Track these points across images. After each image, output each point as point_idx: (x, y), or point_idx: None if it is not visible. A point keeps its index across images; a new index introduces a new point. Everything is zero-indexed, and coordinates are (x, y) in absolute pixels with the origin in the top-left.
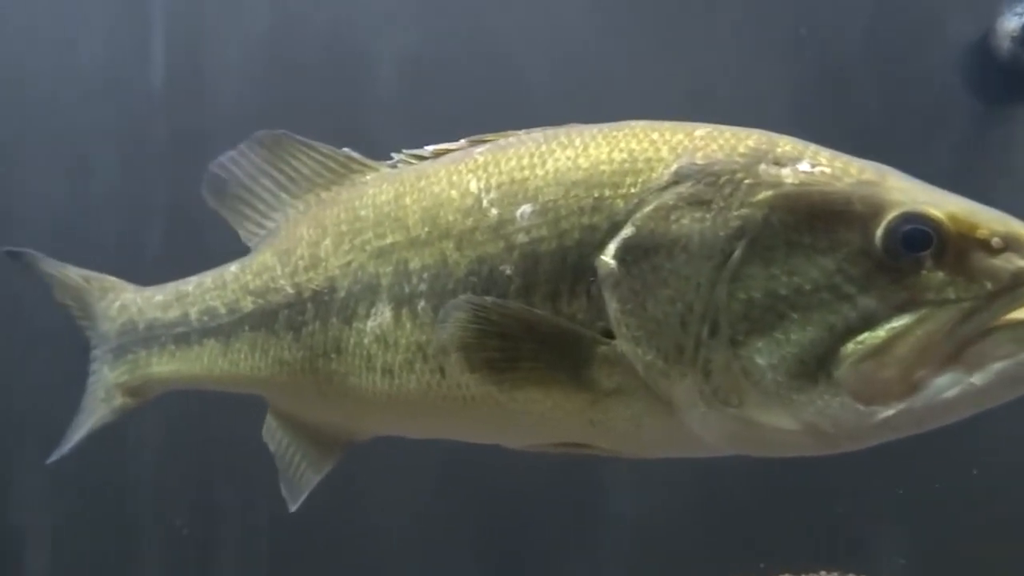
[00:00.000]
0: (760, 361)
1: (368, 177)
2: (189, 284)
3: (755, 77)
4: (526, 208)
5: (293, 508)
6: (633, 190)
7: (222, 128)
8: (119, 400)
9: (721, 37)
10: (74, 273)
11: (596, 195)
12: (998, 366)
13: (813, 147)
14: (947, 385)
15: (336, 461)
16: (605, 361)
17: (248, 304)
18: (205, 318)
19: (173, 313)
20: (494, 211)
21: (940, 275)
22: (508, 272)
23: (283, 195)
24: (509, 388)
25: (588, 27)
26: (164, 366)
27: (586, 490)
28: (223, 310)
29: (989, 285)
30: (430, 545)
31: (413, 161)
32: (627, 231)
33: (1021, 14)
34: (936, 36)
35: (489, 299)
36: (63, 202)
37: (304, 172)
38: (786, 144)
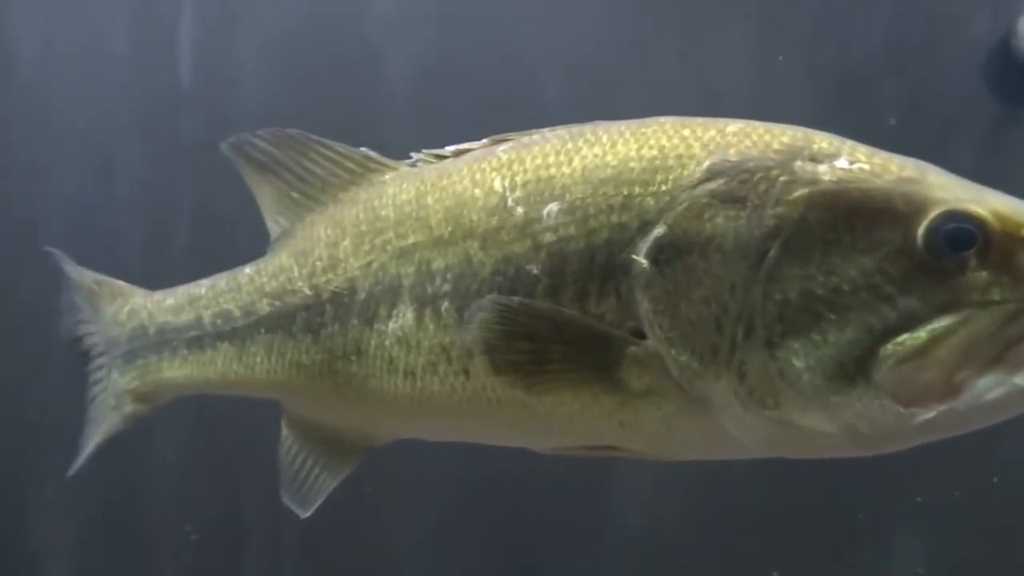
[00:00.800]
0: (797, 363)
1: (387, 176)
2: (201, 287)
3: (772, 77)
4: (553, 207)
5: (305, 514)
6: (664, 187)
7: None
8: (130, 407)
9: (737, 37)
10: (88, 277)
11: (626, 193)
12: None
13: (850, 143)
14: (990, 386)
15: (354, 466)
16: (636, 362)
17: (264, 306)
18: (219, 321)
19: (185, 317)
20: (520, 210)
21: (984, 275)
22: (535, 272)
23: (295, 195)
24: (536, 390)
25: (601, 28)
26: (176, 371)
27: (593, 497)
28: (238, 313)
29: None
30: (444, 553)
31: (433, 160)
32: (659, 230)
33: None
34: (956, 36)
35: (516, 299)
36: (89, 200)
37: (318, 172)
38: (822, 140)
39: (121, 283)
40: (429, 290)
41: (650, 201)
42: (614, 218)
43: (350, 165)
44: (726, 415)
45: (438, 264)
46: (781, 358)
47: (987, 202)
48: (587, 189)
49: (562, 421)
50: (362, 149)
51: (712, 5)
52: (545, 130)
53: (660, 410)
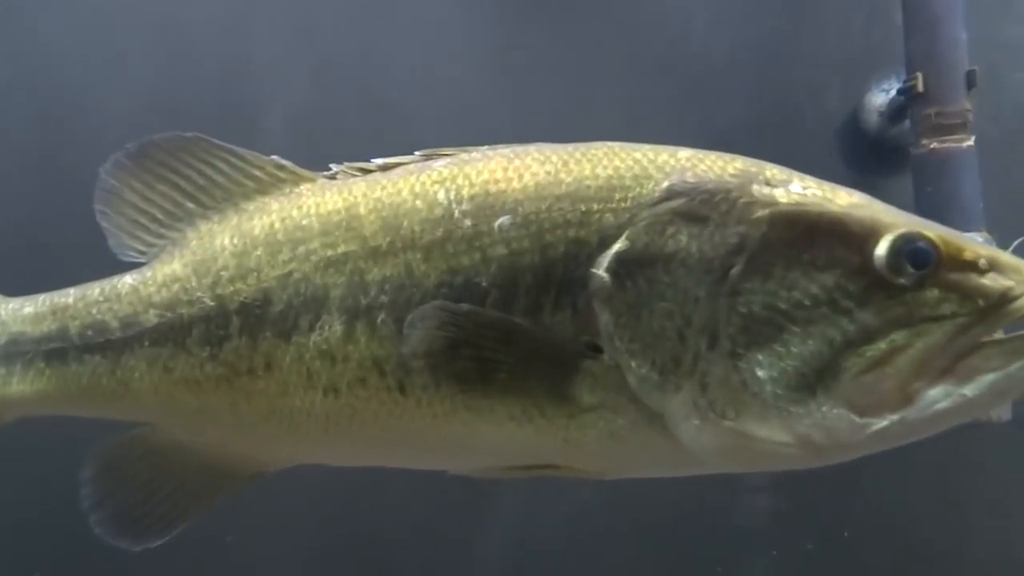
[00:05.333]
0: (760, 373)
1: (303, 187)
2: (68, 296)
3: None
4: (504, 220)
5: (150, 545)
6: (624, 205)
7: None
8: None
9: (606, 104)
10: None
11: (583, 209)
12: (989, 378)
13: (796, 173)
14: (940, 397)
15: (232, 494)
16: (589, 375)
17: (151, 318)
18: (90, 333)
19: (46, 327)
20: (468, 222)
21: (936, 292)
22: (484, 284)
23: (190, 204)
24: (480, 404)
25: (472, 74)
26: (27, 385)
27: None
28: (115, 324)
29: (981, 302)
30: None
31: (355, 172)
32: (620, 245)
33: (887, 90)
34: (812, 109)
35: (464, 306)
36: None
37: (219, 180)
38: (772, 168)
39: None
40: (363, 301)
41: (609, 217)
42: (571, 233)
43: (258, 174)
44: (682, 427)
45: (373, 275)
46: (744, 369)
47: (932, 228)
48: (541, 204)
49: (503, 439)
50: (274, 157)
51: (583, 72)
52: (484, 147)
53: (610, 425)
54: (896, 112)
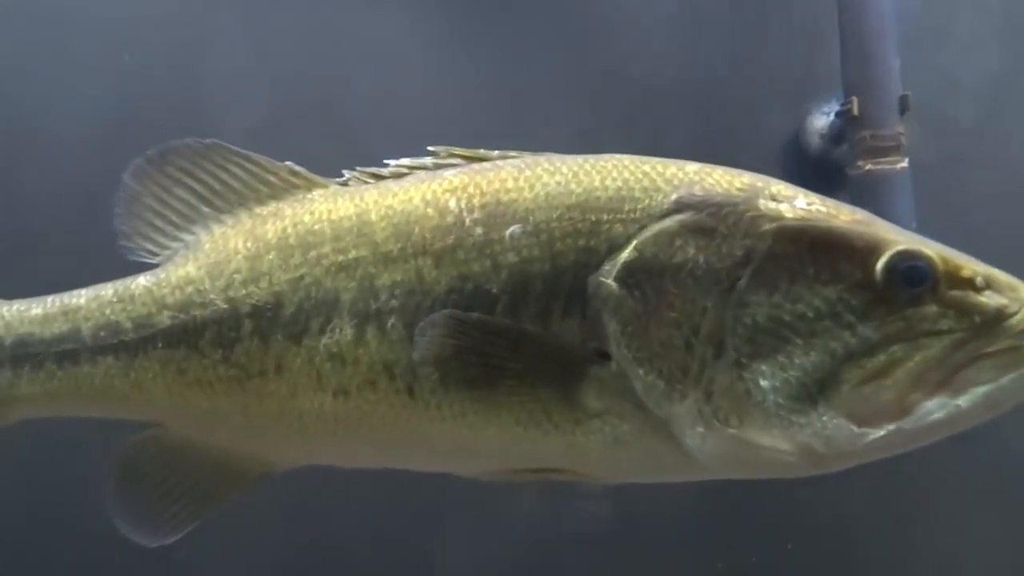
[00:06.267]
0: (764, 383)
1: (315, 193)
2: (80, 297)
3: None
4: (515, 229)
5: (163, 543)
6: (633, 216)
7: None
8: None
9: (562, 122)
10: None
11: (593, 219)
12: (982, 390)
13: (801, 189)
14: (936, 408)
15: (240, 494)
16: (596, 382)
17: (164, 319)
18: (103, 334)
19: (57, 328)
20: (479, 230)
21: (934, 308)
22: (494, 290)
23: (205, 208)
24: (487, 408)
25: (426, 92)
26: (36, 387)
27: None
28: (128, 325)
29: (977, 318)
30: None
31: (367, 178)
32: (629, 254)
33: (828, 113)
34: (757, 131)
35: (473, 314)
36: None
37: (234, 185)
38: (777, 184)
39: None
40: (373, 305)
41: (619, 228)
42: (581, 242)
43: (272, 179)
44: (687, 434)
45: (384, 280)
46: (749, 378)
47: (930, 246)
48: (552, 214)
49: (510, 443)
50: (287, 163)
51: (535, 90)
52: (494, 154)
53: (615, 431)
54: (836, 134)
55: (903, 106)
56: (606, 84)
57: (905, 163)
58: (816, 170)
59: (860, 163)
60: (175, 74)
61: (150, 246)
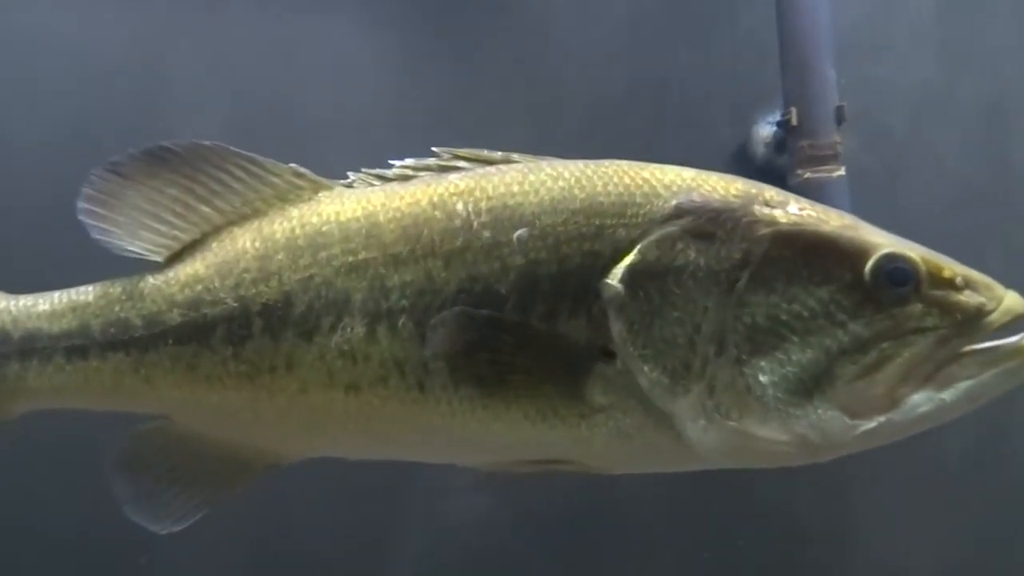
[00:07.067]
0: (763, 378)
1: (321, 195)
2: (87, 295)
3: None
4: (523, 232)
5: (171, 530)
6: (636, 221)
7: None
8: None
9: (517, 136)
10: None
11: (597, 223)
12: (964, 384)
13: (792, 195)
14: (922, 401)
15: (247, 485)
16: (601, 378)
17: (174, 317)
18: (112, 331)
19: (66, 324)
20: (487, 233)
21: (919, 307)
22: (503, 291)
23: (204, 208)
24: (495, 403)
25: (378, 109)
26: (44, 381)
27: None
28: (139, 322)
29: (959, 316)
30: None
31: (374, 181)
32: (633, 258)
33: (772, 123)
34: (706, 141)
35: (484, 311)
36: None
37: (236, 187)
38: (770, 190)
39: None
40: (384, 305)
41: (622, 232)
42: (586, 245)
43: (277, 181)
44: (689, 427)
45: (394, 280)
46: (749, 374)
47: (913, 248)
48: (557, 218)
49: (517, 437)
50: (292, 165)
51: (487, 105)
52: (497, 156)
53: (619, 424)
54: (780, 143)
55: (839, 117)
56: (557, 97)
57: (842, 171)
58: (763, 177)
59: (799, 171)
60: (135, 85)
61: (141, 243)
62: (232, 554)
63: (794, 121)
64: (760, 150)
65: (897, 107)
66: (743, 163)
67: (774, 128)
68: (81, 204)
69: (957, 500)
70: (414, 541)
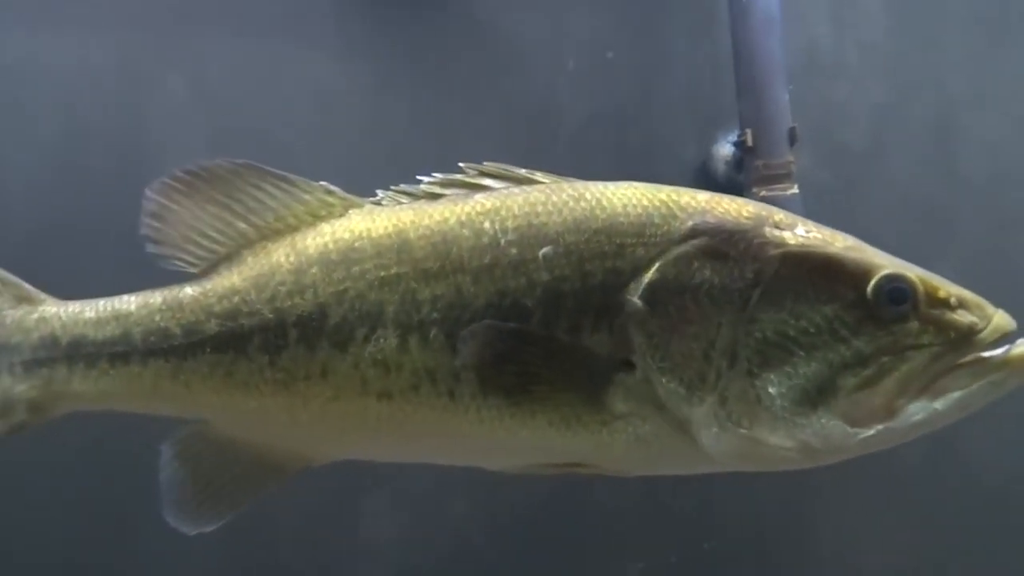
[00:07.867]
0: (772, 390)
1: (351, 212)
2: (129, 304)
3: None
4: (548, 249)
5: (207, 529)
6: (655, 240)
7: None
8: (20, 416)
9: (480, 152)
10: None
11: (618, 242)
12: (956, 395)
13: (799, 217)
14: (917, 411)
15: (281, 484)
16: (621, 387)
17: (212, 326)
18: (153, 339)
19: (110, 331)
20: (514, 250)
21: (916, 324)
22: (529, 305)
23: (241, 224)
24: (522, 411)
25: (354, 133)
26: (90, 384)
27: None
28: (178, 331)
29: (952, 334)
30: None
31: (402, 199)
32: (652, 275)
33: (731, 142)
34: (669, 159)
35: (512, 325)
36: None
37: (270, 204)
38: (778, 213)
39: (29, 287)
40: (415, 317)
41: (642, 251)
42: (608, 263)
43: (308, 198)
44: (703, 434)
45: (425, 294)
46: (759, 386)
47: (912, 269)
48: (580, 237)
49: (542, 442)
50: (323, 183)
51: (459, 127)
52: (522, 172)
53: (638, 430)
54: (738, 162)
55: (792, 138)
56: (530, 120)
57: (795, 189)
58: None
59: (755, 189)
60: (120, 113)
61: (186, 256)
62: (203, 558)
63: (749, 142)
64: (721, 168)
65: (851, 126)
66: (706, 180)
67: (733, 148)
68: (144, 220)
69: (913, 500)
70: (389, 544)
